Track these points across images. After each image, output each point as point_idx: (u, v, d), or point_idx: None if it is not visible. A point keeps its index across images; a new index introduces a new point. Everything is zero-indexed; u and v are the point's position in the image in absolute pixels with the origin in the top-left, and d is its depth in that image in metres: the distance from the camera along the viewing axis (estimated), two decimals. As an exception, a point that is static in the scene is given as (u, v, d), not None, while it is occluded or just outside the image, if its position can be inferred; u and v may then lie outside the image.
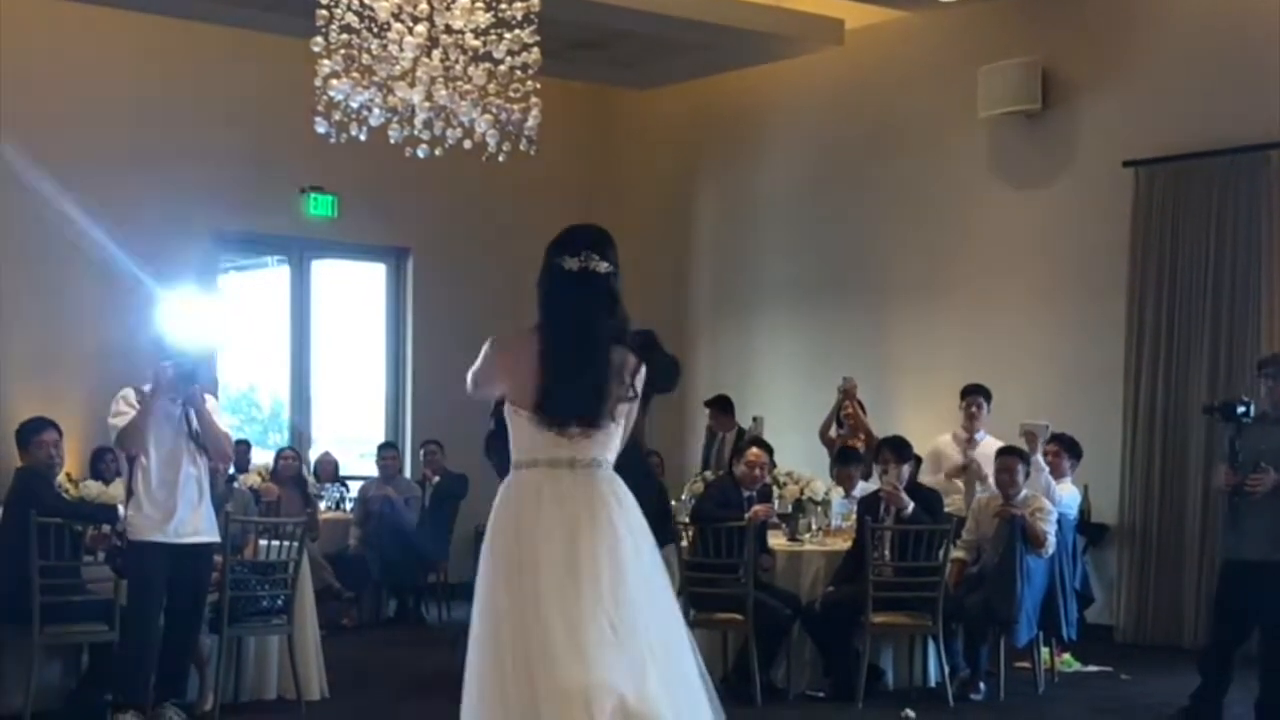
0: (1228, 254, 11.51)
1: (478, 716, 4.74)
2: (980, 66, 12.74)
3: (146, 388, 7.82)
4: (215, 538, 8.04)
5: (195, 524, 7.87)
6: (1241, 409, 8.13)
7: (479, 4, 8.91)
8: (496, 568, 4.82)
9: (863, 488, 10.07)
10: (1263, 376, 8.23)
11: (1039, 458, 9.95)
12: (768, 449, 9.81)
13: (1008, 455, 9.54)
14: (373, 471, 13.38)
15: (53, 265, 12.87)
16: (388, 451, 13.27)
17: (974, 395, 10.79)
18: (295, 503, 11.82)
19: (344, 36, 8.93)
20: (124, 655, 7.90)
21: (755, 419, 12.13)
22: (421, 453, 13.36)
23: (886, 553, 9.12)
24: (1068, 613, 9.50)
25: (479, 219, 14.64)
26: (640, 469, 5.29)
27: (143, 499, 7.75)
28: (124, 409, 7.81)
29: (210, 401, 8.04)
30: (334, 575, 12.01)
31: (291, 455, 12.63)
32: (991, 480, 9.79)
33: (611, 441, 4.92)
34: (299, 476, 12.45)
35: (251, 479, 11.87)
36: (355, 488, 13.26)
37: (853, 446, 11.03)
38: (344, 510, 12.99)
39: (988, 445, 10.47)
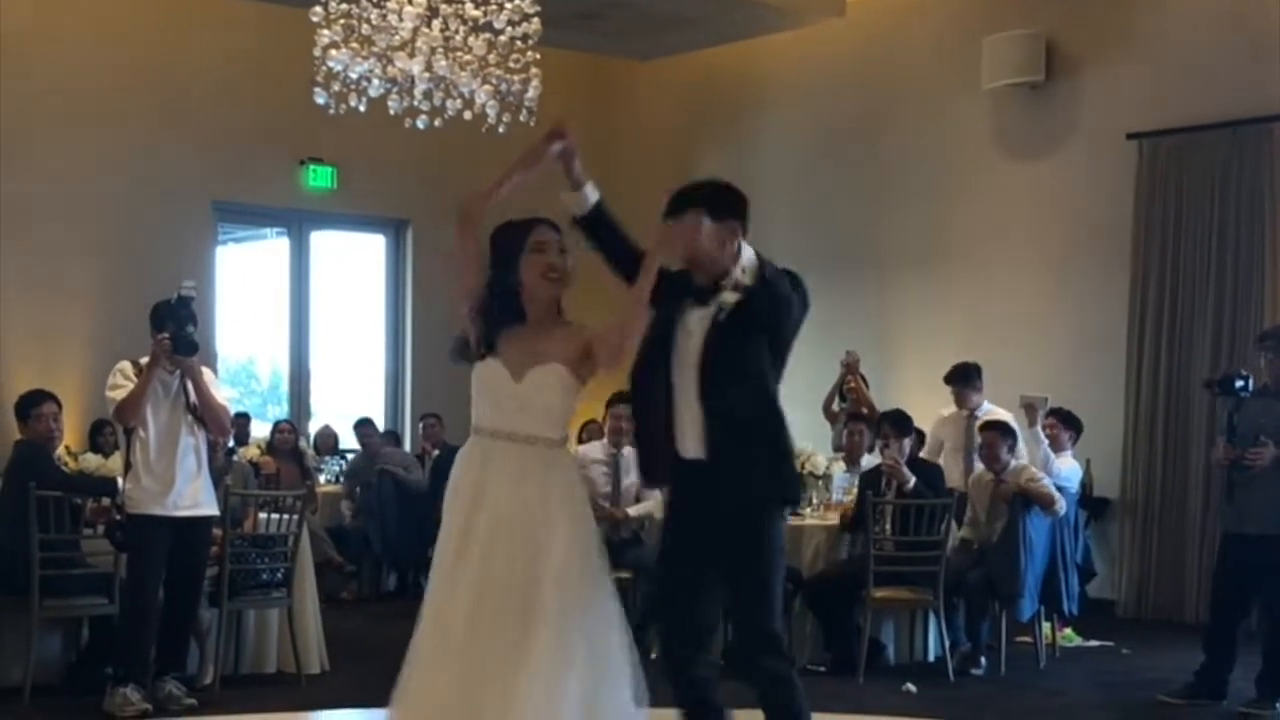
0: (1231, 226, 11.48)
1: None
2: (983, 38, 12.68)
3: (144, 360, 7.78)
4: (214, 510, 8.01)
5: (194, 496, 7.83)
6: (1240, 383, 8.13)
7: (479, -26, 8.87)
8: None
9: (868, 461, 10.04)
10: (1263, 350, 8.21)
11: (1038, 429, 9.93)
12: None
13: (990, 430, 9.51)
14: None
15: (50, 238, 12.82)
16: (365, 428, 13.15)
17: (954, 384, 10.55)
18: (293, 476, 11.79)
19: (343, 6, 8.90)
20: (124, 628, 7.88)
21: None
22: (420, 426, 13.33)
23: (888, 527, 9.10)
24: (1069, 587, 9.48)
25: (479, 190, 14.56)
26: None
27: (141, 472, 7.72)
28: (121, 382, 7.77)
29: (207, 374, 7.99)
30: (334, 548, 11.99)
31: (288, 428, 12.59)
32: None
33: None
34: (296, 449, 12.42)
35: (250, 452, 11.85)
36: (350, 460, 13.23)
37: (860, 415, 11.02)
38: (342, 484, 12.97)
39: (990, 416, 10.43)
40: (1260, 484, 7.94)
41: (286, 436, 12.41)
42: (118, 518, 7.82)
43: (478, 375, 5.10)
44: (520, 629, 4.82)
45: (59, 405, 8.40)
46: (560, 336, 5.07)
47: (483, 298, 5.10)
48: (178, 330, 7.68)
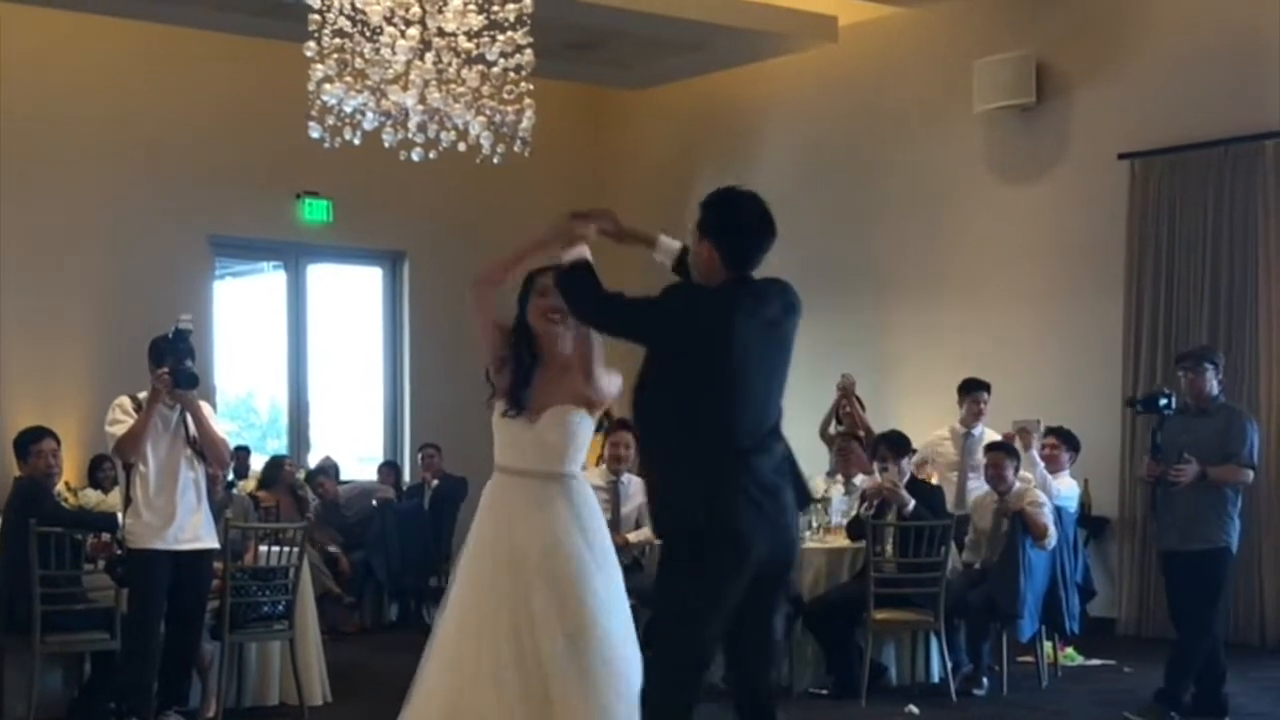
0: (1224, 245, 11.51)
1: None
2: (974, 61, 12.74)
3: (142, 395, 7.80)
4: (215, 544, 8.02)
5: (194, 530, 7.85)
6: (1164, 401, 8.28)
7: (471, 6, 8.90)
8: None
9: (863, 480, 10.06)
10: (1181, 370, 8.35)
11: (1033, 453, 9.96)
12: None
13: (996, 451, 9.56)
14: (371, 475, 13.36)
15: (48, 274, 12.86)
16: (387, 469, 13.29)
17: (978, 390, 10.70)
18: (292, 509, 11.79)
19: (337, 41, 8.93)
20: (126, 663, 7.88)
21: None
22: (419, 457, 13.35)
23: (889, 549, 9.12)
24: (1070, 606, 9.50)
25: (474, 221, 14.61)
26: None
27: (141, 506, 7.73)
28: (120, 417, 7.79)
29: (206, 408, 8.02)
30: (332, 580, 11.99)
31: (286, 462, 12.57)
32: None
33: None
34: (292, 483, 12.41)
35: (249, 486, 11.85)
36: (342, 492, 13.23)
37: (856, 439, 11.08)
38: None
39: (986, 439, 10.46)
40: (1177, 502, 8.06)
41: (285, 470, 12.40)
42: (118, 553, 7.83)
43: (497, 419, 5.42)
44: (571, 657, 5.12)
45: (58, 441, 8.41)
46: (570, 375, 5.37)
47: (504, 355, 5.42)
48: (177, 364, 7.70)
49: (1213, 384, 8.19)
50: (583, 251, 5.13)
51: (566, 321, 5.37)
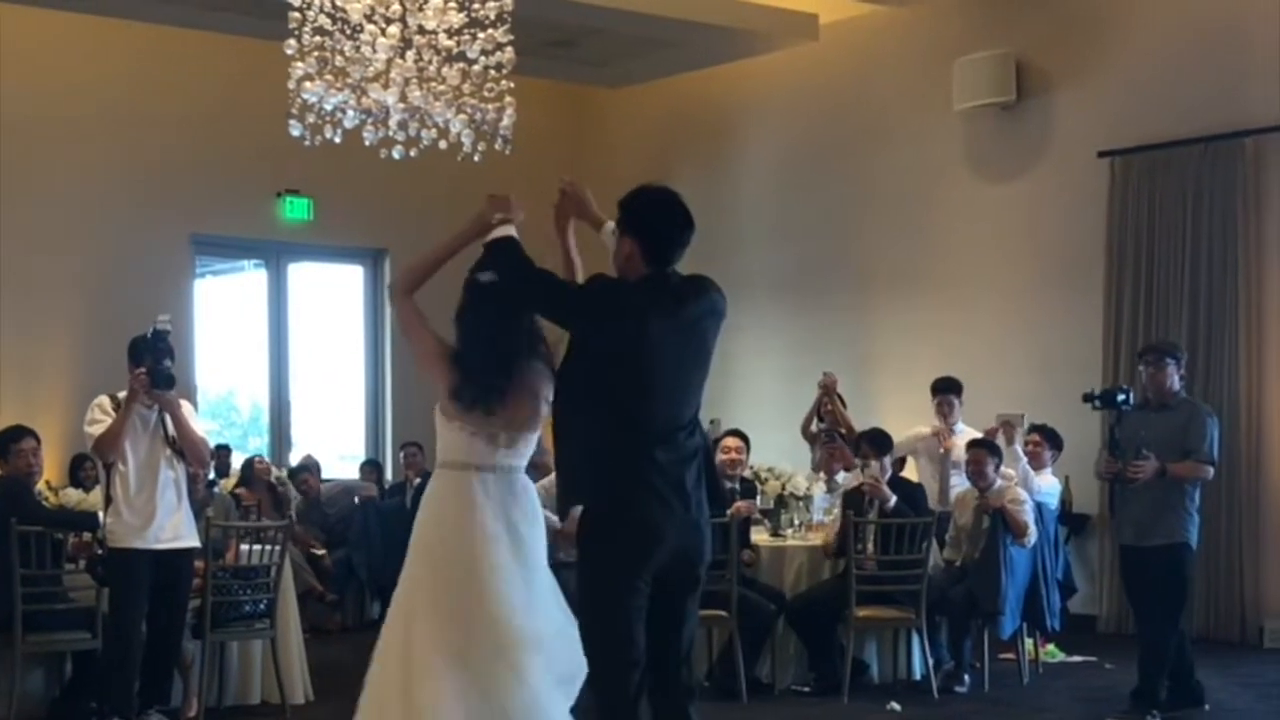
0: (1204, 242, 11.55)
1: None
2: (954, 59, 12.77)
3: (121, 395, 7.79)
4: (195, 543, 8.02)
5: (175, 529, 7.84)
6: (1121, 396, 8.24)
7: (451, 4, 8.89)
8: None
9: (845, 478, 10.08)
10: (1143, 364, 8.31)
11: (1017, 447, 9.98)
12: (744, 439, 9.83)
13: (977, 448, 9.59)
14: (353, 474, 13.34)
15: (28, 273, 12.83)
16: (369, 468, 13.23)
17: (944, 394, 10.77)
18: (269, 508, 11.77)
19: (317, 39, 8.91)
20: (108, 662, 7.87)
21: (713, 421, 12.16)
22: (402, 455, 13.34)
23: (870, 546, 9.13)
24: (1051, 603, 9.53)
25: (455, 219, 14.30)
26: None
27: (121, 506, 7.72)
28: (99, 417, 7.78)
29: (186, 407, 8.01)
30: (315, 577, 11.97)
31: (261, 460, 12.53)
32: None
33: None
34: (270, 482, 12.39)
35: (229, 484, 11.82)
36: (323, 490, 13.21)
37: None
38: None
39: (965, 436, 10.50)
40: (1136, 497, 8.05)
41: (261, 469, 12.37)
42: (99, 552, 7.82)
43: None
44: None
45: (38, 441, 8.40)
46: (535, 370, 5.27)
47: (455, 349, 5.32)
48: (155, 364, 7.69)
49: (1174, 379, 8.15)
50: (509, 231, 5.19)
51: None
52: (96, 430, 7.74)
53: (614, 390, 4.96)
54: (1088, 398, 8.46)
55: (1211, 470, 8.16)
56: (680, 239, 5.13)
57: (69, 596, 8.18)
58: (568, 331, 5.15)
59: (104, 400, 7.85)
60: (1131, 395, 8.30)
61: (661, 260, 5.09)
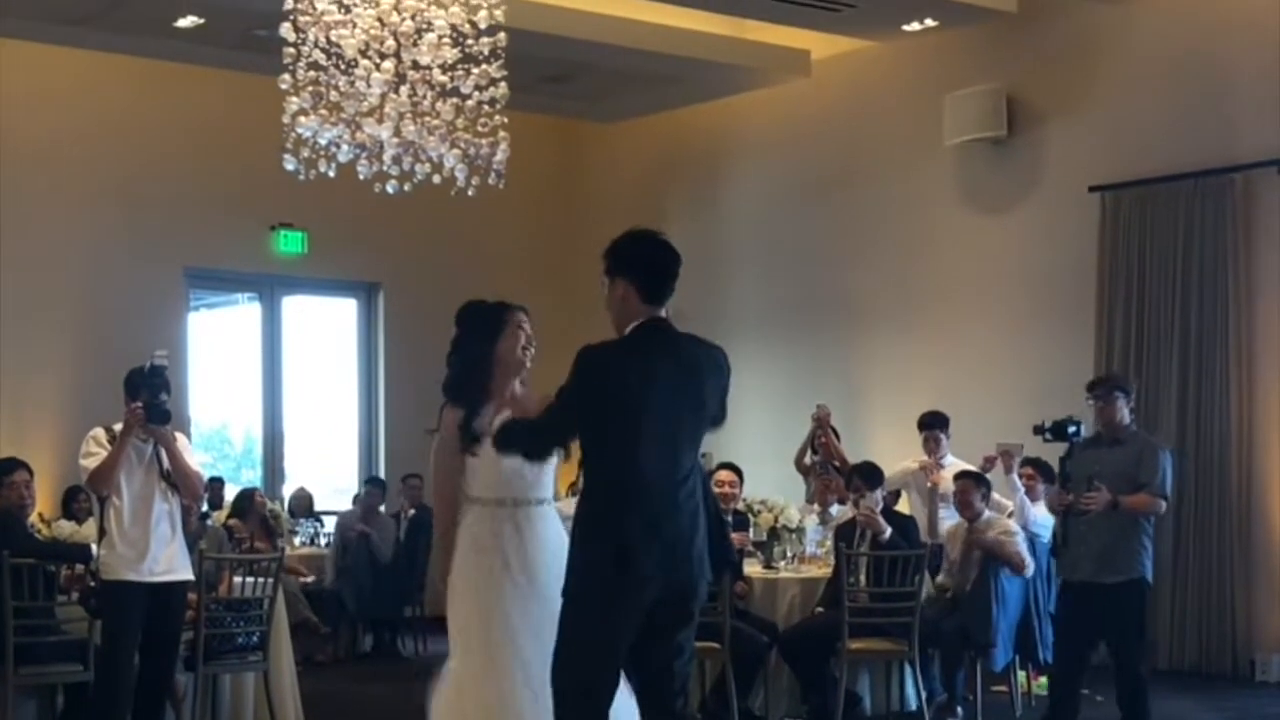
0: (1194, 277, 11.59)
1: None
2: (945, 94, 12.83)
3: (117, 427, 7.80)
4: (189, 575, 8.01)
5: (169, 561, 7.83)
6: (1073, 429, 8.16)
7: (446, 40, 8.94)
8: None
9: (839, 511, 10.10)
10: (1093, 399, 8.20)
11: (1014, 477, 10.00)
12: (738, 472, 9.85)
13: (963, 479, 9.61)
14: (347, 505, 13.34)
15: (22, 305, 12.84)
16: (373, 488, 13.23)
17: (930, 430, 10.81)
18: (263, 540, 11.75)
19: (311, 74, 8.95)
20: (99, 695, 7.85)
21: (704, 454, 12.16)
22: (404, 486, 13.34)
23: (862, 578, 9.14)
24: (1043, 636, 9.51)
25: (449, 253, 14.65)
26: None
27: (115, 538, 7.72)
28: (94, 449, 7.78)
29: (181, 440, 8.02)
30: (310, 609, 11.96)
31: (259, 495, 12.51)
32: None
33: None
34: (263, 515, 12.37)
35: (221, 516, 11.81)
36: (330, 522, 13.22)
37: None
38: (318, 546, 12.96)
39: (953, 470, 10.54)
40: (1090, 532, 7.92)
41: (255, 502, 12.35)
42: (92, 584, 7.82)
43: (484, 452, 5.59)
44: None
45: (31, 473, 8.40)
46: (536, 404, 5.51)
47: (450, 376, 5.75)
48: (151, 399, 7.71)
49: (1124, 412, 8.08)
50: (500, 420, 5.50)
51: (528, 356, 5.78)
52: (91, 463, 7.74)
53: (609, 446, 5.10)
54: (1039, 429, 8.39)
55: (1164, 504, 8.05)
56: (672, 271, 5.23)
57: (61, 629, 8.17)
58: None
59: (99, 433, 7.85)
60: (1083, 428, 8.24)
61: (656, 296, 5.20)
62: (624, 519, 5.05)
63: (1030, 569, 9.23)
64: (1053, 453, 10.68)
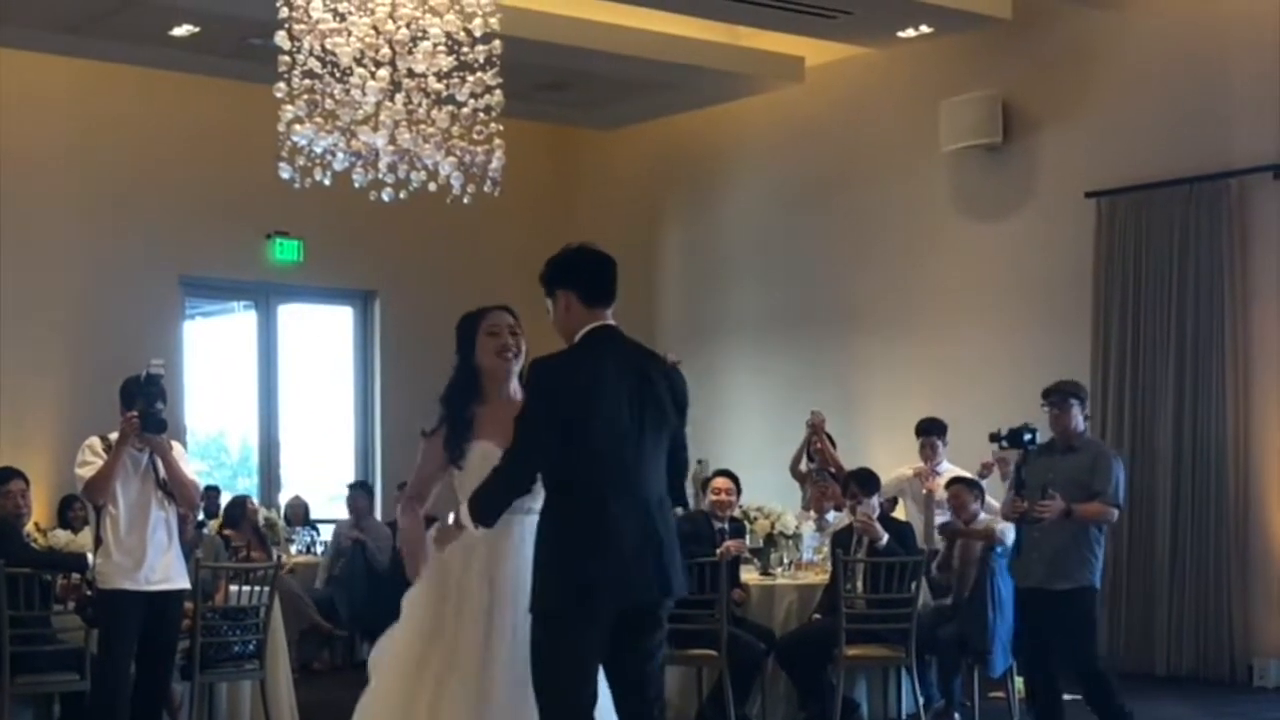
0: (1190, 282, 11.61)
1: None
2: (941, 101, 12.84)
3: (112, 436, 7.79)
4: (185, 584, 7.99)
5: (165, 570, 7.82)
6: (1028, 436, 8.16)
7: (441, 48, 8.95)
8: None
9: (835, 517, 10.10)
10: (1048, 405, 8.15)
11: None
12: (734, 479, 9.85)
13: (957, 484, 9.64)
14: (343, 513, 13.34)
15: (17, 314, 12.83)
16: (358, 492, 13.19)
17: (927, 435, 10.83)
18: (257, 548, 11.76)
19: (307, 82, 8.95)
20: (96, 704, 7.84)
21: (700, 461, 12.19)
22: (399, 494, 13.31)
23: (859, 585, 9.14)
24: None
25: (444, 260, 14.66)
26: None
27: (112, 547, 7.70)
28: (90, 458, 7.77)
29: (177, 449, 8.01)
30: (318, 613, 11.95)
31: (248, 501, 12.50)
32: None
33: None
34: (256, 523, 12.37)
35: (217, 525, 11.81)
36: (326, 530, 13.21)
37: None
38: (314, 554, 12.94)
39: (949, 476, 10.54)
40: (1044, 538, 7.90)
41: (249, 510, 12.35)
42: (89, 593, 7.81)
43: (477, 459, 5.48)
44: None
45: (27, 482, 8.41)
46: (511, 418, 5.36)
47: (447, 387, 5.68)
48: (146, 408, 7.70)
49: (1078, 419, 8.05)
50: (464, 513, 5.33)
51: (517, 358, 5.64)
52: (86, 472, 7.73)
53: (571, 443, 5.08)
54: (994, 437, 8.38)
55: (1116, 513, 8.03)
56: (609, 274, 5.32)
57: (57, 638, 8.16)
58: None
59: (94, 442, 7.84)
60: (1038, 435, 8.22)
61: (598, 298, 5.26)
62: (593, 539, 5.04)
63: (1002, 537, 9.11)
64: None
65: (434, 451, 5.64)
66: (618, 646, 5.12)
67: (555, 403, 5.07)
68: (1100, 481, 7.90)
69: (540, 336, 5.57)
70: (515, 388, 5.63)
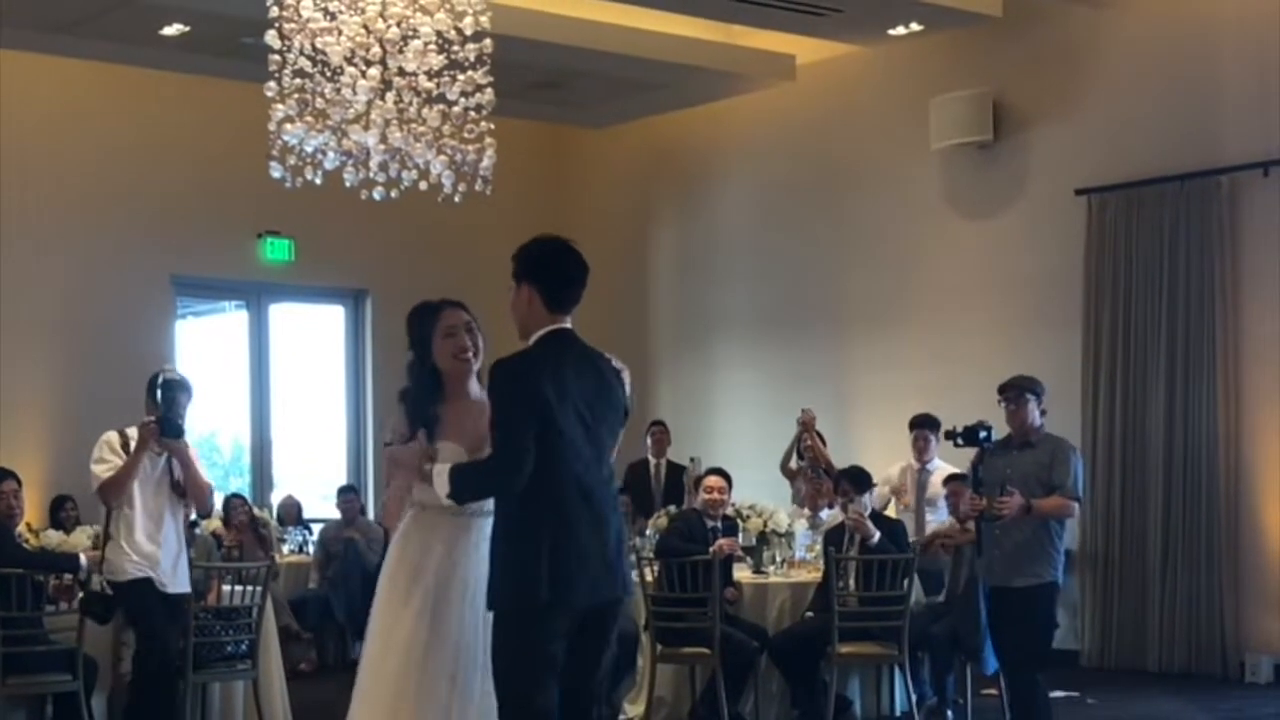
0: (1181, 279, 11.62)
1: None
2: (931, 98, 12.85)
3: (129, 430, 7.80)
4: (188, 588, 8.04)
5: (173, 574, 7.87)
6: (984, 434, 8.04)
7: (432, 46, 8.94)
8: None
9: (827, 515, 10.11)
10: (1004, 401, 8.07)
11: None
12: (726, 477, 9.86)
13: (954, 481, 9.64)
14: (334, 514, 13.32)
15: (8, 314, 12.81)
16: (348, 494, 13.20)
17: (920, 429, 10.86)
18: (250, 548, 11.75)
19: (297, 81, 8.93)
20: (144, 692, 7.83)
21: (692, 459, 12.21)
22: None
23: (851, 583, 9.15)
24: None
25: (436, 259, 14.64)
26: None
27: (125, 547, 7.73)
28: (108, 456, 7.78)
29: (192, 451, 8.05)
30: (294, 617, 11.94)
31: (240, 502, 12.50)
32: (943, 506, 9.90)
33: None
34: (253, 522, 12.36)
35: (211, 524, 11.80)
36: (318, 530, 13.20)
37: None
38: (306, 554, 12.94)
39: (941, 473, 10.55)
40: (1002, 535, 7.80)
41: (242, 508, 12.34)
42: (93, 590, 7.82)
43: (446, 460, 5.35)
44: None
45: (19, 483, 8.41)
46: (476, 416, 5.37)
47: (406, 385, 5.57)
48: (165, 413, 7.74)
49: (1035, 415, 7.98)
50: (441, 472, 5.25)
51: (476, 358, 5.52)
52: (102, 470, 7.74)
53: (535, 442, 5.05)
54: (950, 434, 8.32)
55: (1076, 507, 7.98)
56: (579, 281, 5.23)
57: (50, 638, 8.15)
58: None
59: (113, 438, 7.84)
60: (994, 432, 8.18)
61: (562, 304, 5.19)
62: (560, 539, 5.04)
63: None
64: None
65: (404, 458, 5.52)
66: (571, 646, 5.12)
67: (525, 405, 5.01)
68: (1059, 475, 7.81)
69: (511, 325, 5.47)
70: (476, 387, 5.52)
